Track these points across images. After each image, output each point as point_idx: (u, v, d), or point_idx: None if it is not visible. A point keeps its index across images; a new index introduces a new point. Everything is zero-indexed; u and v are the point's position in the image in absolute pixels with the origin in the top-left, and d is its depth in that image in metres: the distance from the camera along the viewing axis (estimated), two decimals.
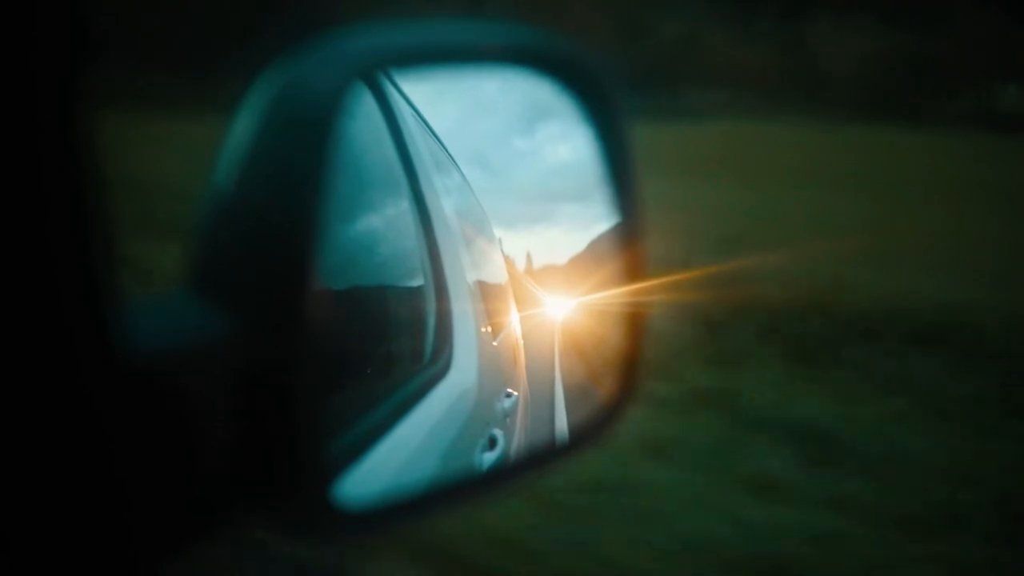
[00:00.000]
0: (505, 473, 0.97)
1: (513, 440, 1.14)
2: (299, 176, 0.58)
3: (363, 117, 0.80)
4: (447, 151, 1.13)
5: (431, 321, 1.06)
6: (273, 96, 0.59)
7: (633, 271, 0.90)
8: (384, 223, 0.96)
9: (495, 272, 1.25)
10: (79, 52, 0.39)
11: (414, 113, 1.06)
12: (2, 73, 0.37)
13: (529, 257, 1.17)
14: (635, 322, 0.92)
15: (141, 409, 0.49)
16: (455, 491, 0.79)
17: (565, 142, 0.97)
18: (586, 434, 0.94)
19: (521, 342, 1.34)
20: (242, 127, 0.58)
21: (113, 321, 0.43)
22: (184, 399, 0.52)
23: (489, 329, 1.25)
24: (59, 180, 0.39)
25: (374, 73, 0.79)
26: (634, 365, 0.92)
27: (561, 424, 1.18)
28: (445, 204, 1.15)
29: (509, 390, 1.27)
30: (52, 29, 0.38)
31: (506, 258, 1.22)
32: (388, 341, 0.95)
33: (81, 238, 0.41)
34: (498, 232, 1.20)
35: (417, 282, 1.04)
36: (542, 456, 0.99)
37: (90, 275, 0.41)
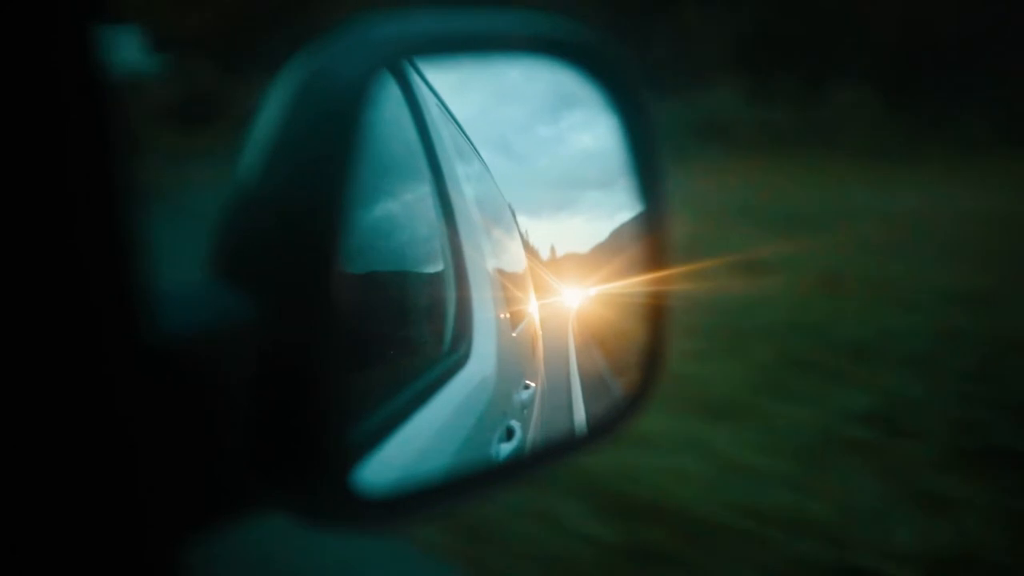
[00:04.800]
0: (522, 464, 0.97)
1: (530, 431, 1.14)
2: (325, 165, 0.58)
3: (388, 105, 0.80)
4: (470, 140, 1.13)
5: (451, 309, 1.06)
6: (299, 85, 0.59)
7: (657, 259, 0.90)
8: (405, 209, 0.96)
9: (515, 260, 1.25)
10: (102, 41, 0.39)
11: (438, 101, 1.05)
12: (28, 63, 0.37)
13: (552, 247, 1.16)
14: (659, 312, 0.92)
15: (165, 392, 0.49)
16: (471, 481, 0.80)
17: (589, 130, 0.96)
18: (605, 426, 0.93)
19: (540, 332, 1.34)
20: (268, 116, 0.59)
21: (139, 305, 0.43)
22: (208, 383, 0.53)
23: (508, 318, 1.25)
24: (86, 162, 0.39)
25: (399, 61, 0.79)
26: (657, 356, 0.91)
27: (579, 415, 1.18)
28: (467, 192, 1.15)
29: (527, 381, 1.27)
30: (78, 26, 0.38)
31: (527, 247, 1.21)
32: (408, 328, 0.95)
33: (108, 221, 0.41)
34: (522, 220, 1.19)
35: (437, 269, 1.03)
36: (559, 447, 0.99)
37: (116, 259, 0.41)
